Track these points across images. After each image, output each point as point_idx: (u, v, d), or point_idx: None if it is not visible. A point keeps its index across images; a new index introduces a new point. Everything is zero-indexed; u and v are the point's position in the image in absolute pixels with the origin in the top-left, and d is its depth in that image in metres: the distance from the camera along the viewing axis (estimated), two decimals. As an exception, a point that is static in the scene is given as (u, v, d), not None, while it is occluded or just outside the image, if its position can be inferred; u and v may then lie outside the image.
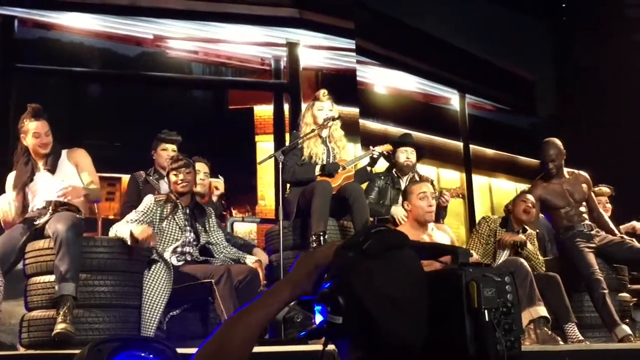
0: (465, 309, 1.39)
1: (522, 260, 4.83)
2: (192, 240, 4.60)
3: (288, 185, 5.43)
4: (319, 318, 1.39)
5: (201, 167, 5.25)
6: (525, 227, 5.37)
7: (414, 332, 1.35)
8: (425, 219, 4.83)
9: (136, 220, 4.46)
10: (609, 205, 6.30)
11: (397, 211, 5.35)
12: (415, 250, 1.44)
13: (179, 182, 4.61)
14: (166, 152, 5.41)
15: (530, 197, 5.36)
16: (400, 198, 5.41)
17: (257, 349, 3.72)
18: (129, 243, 4.31)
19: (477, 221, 6.24)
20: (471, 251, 4.74)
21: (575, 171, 5.66)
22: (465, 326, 1.38)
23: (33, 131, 4.55)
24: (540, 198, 5.51)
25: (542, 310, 4.69)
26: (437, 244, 1.57)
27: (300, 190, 5.16)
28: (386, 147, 5.60)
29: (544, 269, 5.28)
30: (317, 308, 1.40)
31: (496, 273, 1.43)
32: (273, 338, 4.62)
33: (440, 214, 5.69)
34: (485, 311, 1.38)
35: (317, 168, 5.24)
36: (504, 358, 1.37)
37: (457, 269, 1.42)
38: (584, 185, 5.61)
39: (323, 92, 5.44)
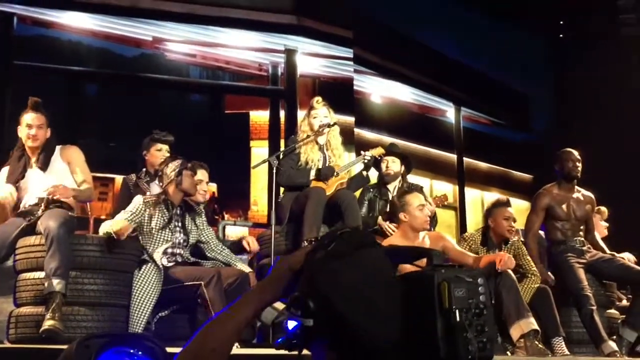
0: (437, 310, 1.40)
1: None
2: (182, 241, 4.60)
3: (281, 190, 5.44)
4: (292, 324, 1.41)
5: (203, 176, 5.17)
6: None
7: (385, 330, 1.36)
8: (423, 228, 4.84)
9: (125, 220, 4.46)
10: (603, 223, 6.31)
11: (382, 222, 5.37)
12: (391, 254, 1.45)
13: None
14: (160, 152, 5.36)
15: (510, 210, 5.34)
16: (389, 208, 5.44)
17: (246, 352, 3.71)
18: (114, 236, 4.35)
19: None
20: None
21: (583, 190, 5.66)
22: (437, 327, 1.39)
23: (26, 122, 4.55)
24: (547, 206, 5.50)
25: (532, 323, 4.66)
26: (413, 247, 1.58)
27: (294, 195, 5.17)
28: (378, 151, 5.59)
29: (537, 277, 5.24)
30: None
31: (468, 274, 1.44)
32: (261, 342, 4.62)
33: (430, 222, 5.70)
34: (457, 311, 1.39)
35: (313, 172, 5.25)
36: (471, 358, 1.38)
37: (430, 270, 1.44)
38: (588, 206, 5.62)
39: (317, 100, 5.45)
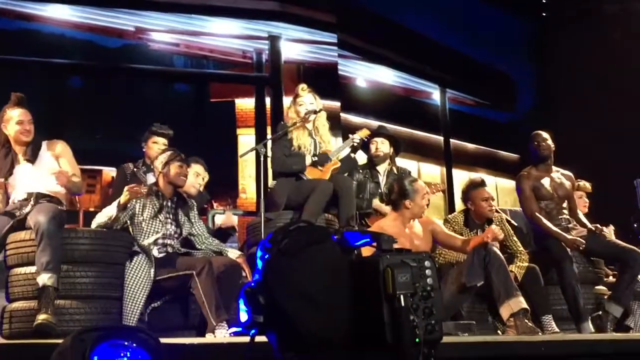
0: (383, 295, 1.41)
1: (495, 249, 4.81)
2: (173, 232, 4.61)
3: (270, 175, 5.45)
4: (244, 316, 1.42)
5: (199, 170, 5.21)
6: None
7: (331, 327, 1.37)
8: (421, 216, 4.87)
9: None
10: (585, 200, 6.36)
11: (380, 205, 5.43)
12: (346, 241, 1.47)
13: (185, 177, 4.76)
14: (157, 145, 5.41)
15: (488, 190, 5.35)
16: (382, 192, 5.49)
17: (239, 340, 3.74)
18: (116, 214, 4.44)
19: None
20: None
21: (561, 169, 5.71)
22: (383, 312, 1.41)
23: (17, 119, 4.52)
24: (532, 187, 5.54)
25: (521, 302, 4.69)
26: (365, 231, 1.58)
27: (290, 182, 5.18)
28: (364, 133, 5.63)
29: (525, 256, 5.27)
30: (242, 308, 1.43)
31: (414, 258, 1.45)
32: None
33: None
34: (401, 296, 1.40)
35: (308, 158, 5.27)
36: (418, 341, 1.39)
37: (376, 256, 1.45)
38: (569, 184, 5.66)
39: (302, 87, 5.46)
